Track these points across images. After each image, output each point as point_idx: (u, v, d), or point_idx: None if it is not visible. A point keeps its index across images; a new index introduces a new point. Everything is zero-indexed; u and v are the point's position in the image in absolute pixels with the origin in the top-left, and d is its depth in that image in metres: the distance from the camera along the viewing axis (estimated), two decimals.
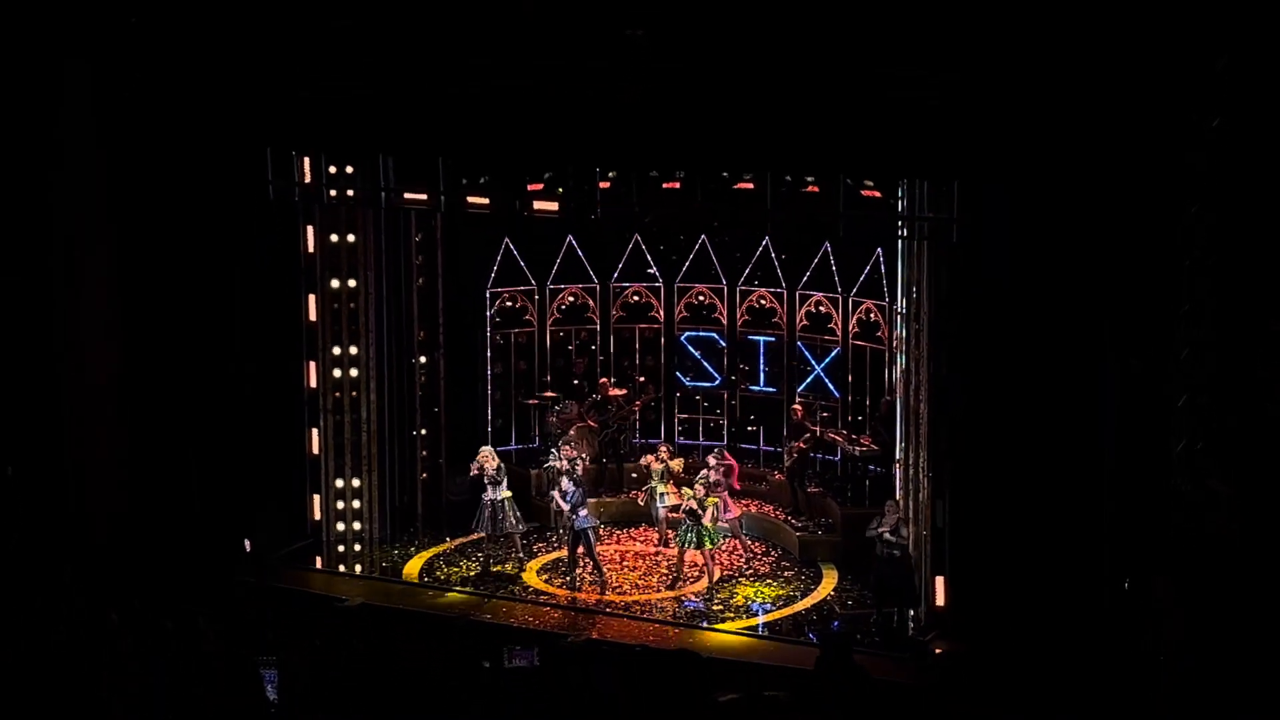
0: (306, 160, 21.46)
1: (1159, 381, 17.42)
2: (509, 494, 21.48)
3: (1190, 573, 16.86)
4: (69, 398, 21.57)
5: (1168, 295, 17.17)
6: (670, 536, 21.78)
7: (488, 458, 21.53)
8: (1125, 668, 17.25)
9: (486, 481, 21.42)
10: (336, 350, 22.38)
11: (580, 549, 20.97)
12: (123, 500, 21.53)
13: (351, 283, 22.27)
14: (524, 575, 21.30)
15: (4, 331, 21.53)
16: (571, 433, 23.12)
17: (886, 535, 19.30)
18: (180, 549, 20.88)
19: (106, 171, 21.41)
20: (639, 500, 22.62)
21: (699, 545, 20.72)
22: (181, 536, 21.12)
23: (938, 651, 18.36)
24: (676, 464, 21.91)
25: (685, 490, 21.33)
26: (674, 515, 21.41)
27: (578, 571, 21.04)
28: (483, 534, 21.66)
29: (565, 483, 21.10)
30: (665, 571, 21.30)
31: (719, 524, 21.05)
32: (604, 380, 23.97)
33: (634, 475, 23.41)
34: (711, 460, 21.72)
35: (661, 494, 21.83)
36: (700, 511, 20.64)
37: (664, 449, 22.21)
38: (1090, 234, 17.57)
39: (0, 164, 21.12)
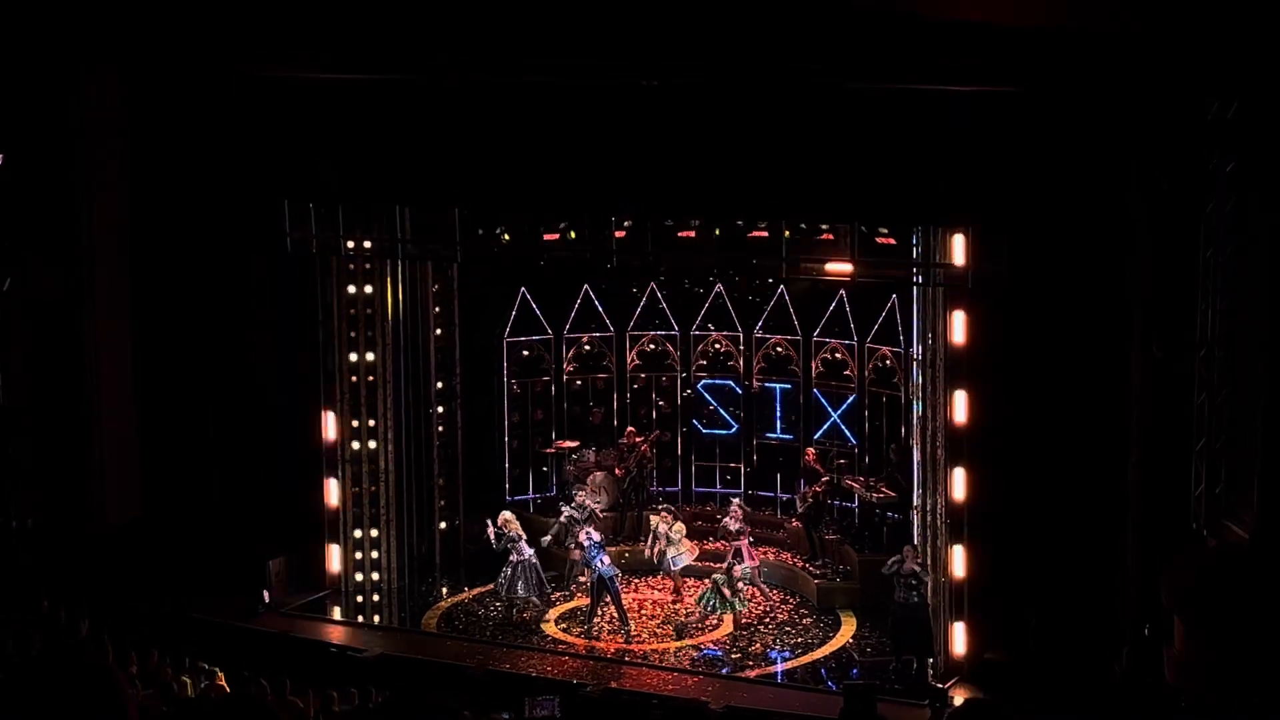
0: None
1: (1178, 424, 17.45)
2: (531, 551, 21.44)
3: (1213, 619, 16.83)
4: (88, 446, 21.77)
5: (1182, 342, 17.22)
6: (684, 586, 21.84)
7: (510, 521, 21.53)
8: (1146, 711, 17.19)
9: (508, 544, 21.38)
10: (354, 401, 22.44)
11: (606, 597, 20.97)
12: (136, 547, 21.63)
13: (369, 333, 22.34)
14: (543, 625, 21.28)
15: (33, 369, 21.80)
16: (596, 477, 23.12)
17: (912, 568, 19.29)
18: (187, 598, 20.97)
19: (128, 220, 21.70)
20: (646, 553, 22.32)
21: (727, 610, 20.72)
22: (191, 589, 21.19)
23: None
24: (677, 529, 21.63)
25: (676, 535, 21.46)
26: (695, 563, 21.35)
27: (596, 620, 21.01)
28: (510, 595, 21.61)
29: (589, 530, 21.08)
30: (684, 620, 21.26)
31: (742, 567, 21.04)
32: (630, 429, 23.99)
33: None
34: (733, 508, 21.77)
35: (674, 556, 21.63)
36: (670, 541, 20.89)
37: (664, 513, 21.92)
38: (1105, 279, 17.63)
39: (21, 209, 21.37)
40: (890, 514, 21.89)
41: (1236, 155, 16.65)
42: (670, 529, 21.57)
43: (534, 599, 21.45)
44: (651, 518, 22.10)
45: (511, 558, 21.35)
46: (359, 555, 22.65)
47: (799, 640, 20.74)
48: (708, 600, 20.80)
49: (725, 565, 20.96)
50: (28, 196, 21.35)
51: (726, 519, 21.71)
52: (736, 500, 22.41)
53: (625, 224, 20.76)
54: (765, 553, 22.66)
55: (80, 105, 21.23)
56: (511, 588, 21.36)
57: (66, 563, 21.02)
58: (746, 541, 21.49)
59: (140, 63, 20.82)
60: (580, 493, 22.54)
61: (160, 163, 21.52)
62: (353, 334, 22.27)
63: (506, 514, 21.80)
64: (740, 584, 20.92)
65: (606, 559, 20.85)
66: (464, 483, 23.68)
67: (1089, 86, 17.17)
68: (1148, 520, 17.53)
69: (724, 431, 24.43)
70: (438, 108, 20.00)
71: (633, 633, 20.73)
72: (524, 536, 21.48)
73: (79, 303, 21.57)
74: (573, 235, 21.08)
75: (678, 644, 20.63)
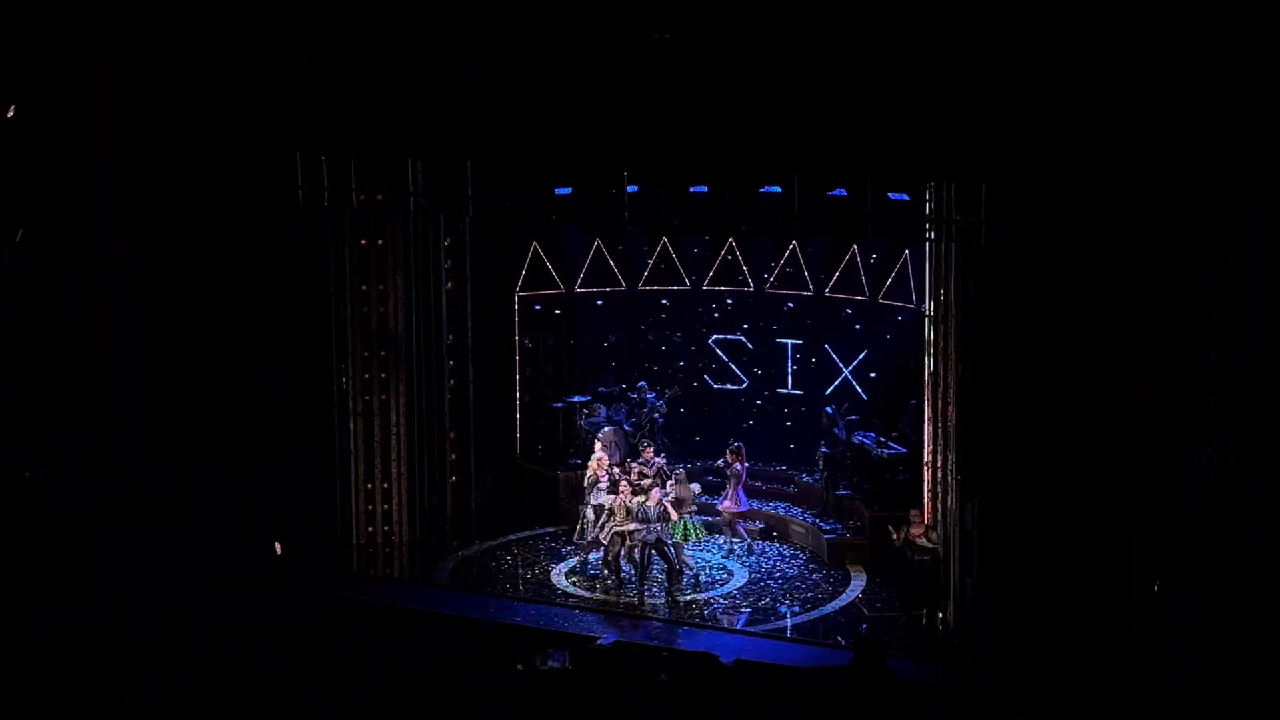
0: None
1: (1186, 383, 17.43)
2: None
3: (1215, 581, 16.87)
4: (94, 400, 21.73)
5: (1194, 299, 17.19)
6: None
7: (602, 464, 21.41)
8: (1147, 671, 17.23)
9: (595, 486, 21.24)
10: (366, 354, 22.46)
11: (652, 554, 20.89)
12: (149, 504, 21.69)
13: (381, 286, 22.34)
14: (554, 578, 21.36)
15: (33, 332, 21.77)
16: (608, 432, 23.18)
17: (917, 535, 19.36)
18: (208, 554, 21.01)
19: (130, 176, 21.62)
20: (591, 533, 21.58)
21: (685, 538, 20.85)
22: (209, 542, 21.23)
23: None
24: (637, 500, 21.02)
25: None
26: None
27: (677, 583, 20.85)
28: (584, 543, 21.52)
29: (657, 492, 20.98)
30: (695, 575, 21.36)
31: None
32: (642, 384, 24.06)
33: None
34: (729, 455, 21.94)
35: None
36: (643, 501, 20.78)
37: (624, 485, 21.23)
38: (1117, 236, 17.58)
39: (30, 164, 21.31)
40: (901, 470, 21.92)
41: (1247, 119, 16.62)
42: (629, 502, 20.96)
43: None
44: (606, 497, 21.31)
45: (594, 501, 21.27)
46: (370, 508, 22.71)
47: (809, 595, 20.81)
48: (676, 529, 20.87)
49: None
50: (38, 152, 21.29)
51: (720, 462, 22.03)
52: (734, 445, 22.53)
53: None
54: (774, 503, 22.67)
55: (87, 67, 21.17)
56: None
57: (74, 519, 21.06)
58: (734, 487, 21.54)
59: (153, 32, 20.77)
60: (598, 444, 22.59)
61: (169, 116, 21.42)
62: (364, 287, 22.29)
63: (603, 456, 21.71)
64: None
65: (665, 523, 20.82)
66: (475, 437, 23.74)
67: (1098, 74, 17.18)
68: (1152, 489, 17.52)
69: (736, 387, 24.51)
70: (451, 61, 19.96)
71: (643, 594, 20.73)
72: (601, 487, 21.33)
73: (85, 261, 21.53)
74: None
75: (687, 597, 20.69)
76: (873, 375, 23.09)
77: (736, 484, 21.94)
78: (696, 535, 21.13)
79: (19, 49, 21.02)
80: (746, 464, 22.23)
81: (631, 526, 20.64)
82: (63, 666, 14.31)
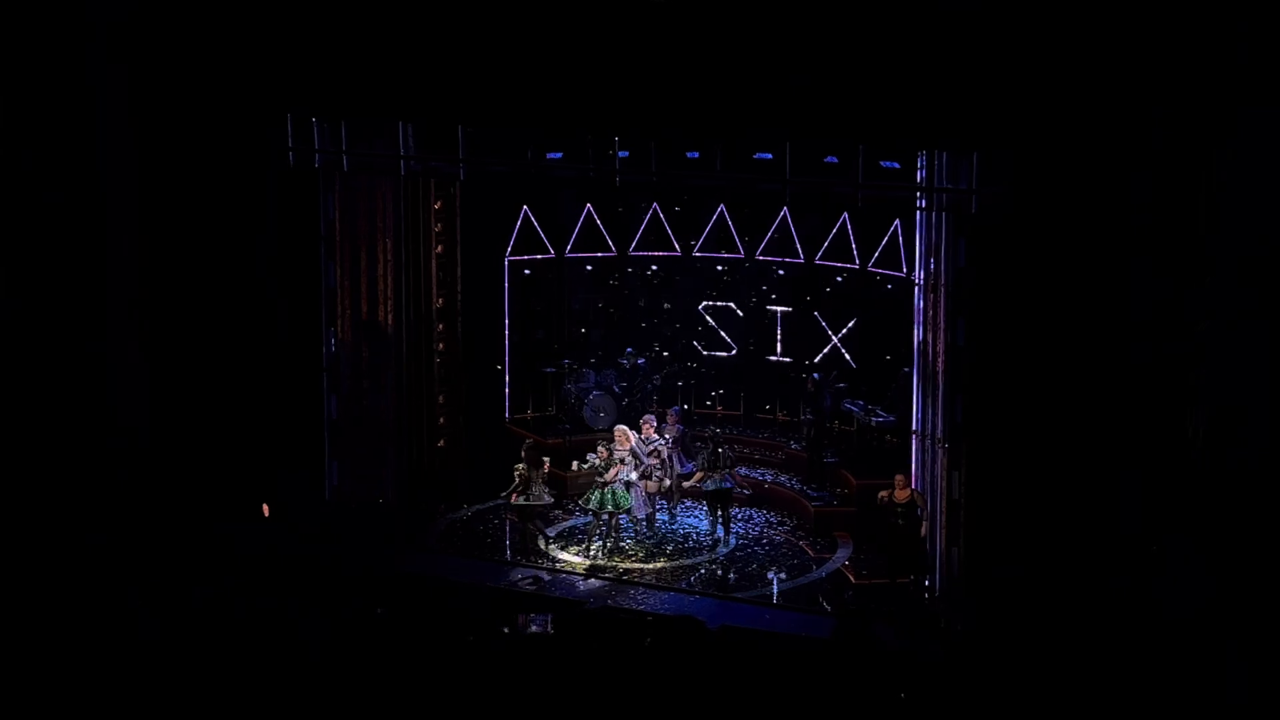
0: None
1: (1175, 356, 17.44)
2: (634, 477, 21.14)
3: (1206, 552, 16.91)
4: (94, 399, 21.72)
5: (1186, 268, 17.19)
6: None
7: (625, 437, 21.18)
8: (1138, 639, 17.28)
9: (618, 459, 21.03)
10: (355, 318, 22.41)
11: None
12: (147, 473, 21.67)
13: (370, 249, 22.28)
14: (542, 544, 21.40)
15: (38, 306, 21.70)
16: (596, 397, 23.17)
17: (905, 496, 19.39)
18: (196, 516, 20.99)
19: (135, 139, 21.54)
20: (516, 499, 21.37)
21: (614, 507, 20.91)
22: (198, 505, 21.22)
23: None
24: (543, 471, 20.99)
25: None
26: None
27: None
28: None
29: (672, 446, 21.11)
30: (682, 541, 21.40)
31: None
32: (630, 350, 24.08)
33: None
34: (670, 419, 22.02)
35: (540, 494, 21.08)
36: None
37: (546, 460, 21.16)
38: (1110, 204, 17.58)
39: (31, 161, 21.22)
40: (889, 437, 21.96)
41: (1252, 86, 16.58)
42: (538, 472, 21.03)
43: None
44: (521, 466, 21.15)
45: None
46: (359, 472, 22.70)
47: (795, 562, 20.85)
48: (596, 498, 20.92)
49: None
50: (38, 149, 21.16)
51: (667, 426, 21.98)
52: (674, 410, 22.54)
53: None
54: (763, 476, 22.71)
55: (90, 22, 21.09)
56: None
57: (74, 476, 21.04)
58: (675, 452, 21.74)
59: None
60: (588, 410, 22.56)
61: (167, 75, 21.33)
62: (353, 250, 22.23)
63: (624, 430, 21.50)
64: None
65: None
66: (464, 401, 23.73)
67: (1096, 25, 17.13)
68: (1146, 445, 17.55)
69: (725, 354, 24.54)
70: (442, 20, 19.90)
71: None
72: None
73: (89, 222, 21.45)
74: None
75: (675, 563, 20.71)
76: (862, 343, 23.12)
77: (674, 449, 21.87)
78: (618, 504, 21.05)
79: (20, 44, 20.86)
80: (681, 426, 22.26)
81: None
82: (68, 666, 14.26)
